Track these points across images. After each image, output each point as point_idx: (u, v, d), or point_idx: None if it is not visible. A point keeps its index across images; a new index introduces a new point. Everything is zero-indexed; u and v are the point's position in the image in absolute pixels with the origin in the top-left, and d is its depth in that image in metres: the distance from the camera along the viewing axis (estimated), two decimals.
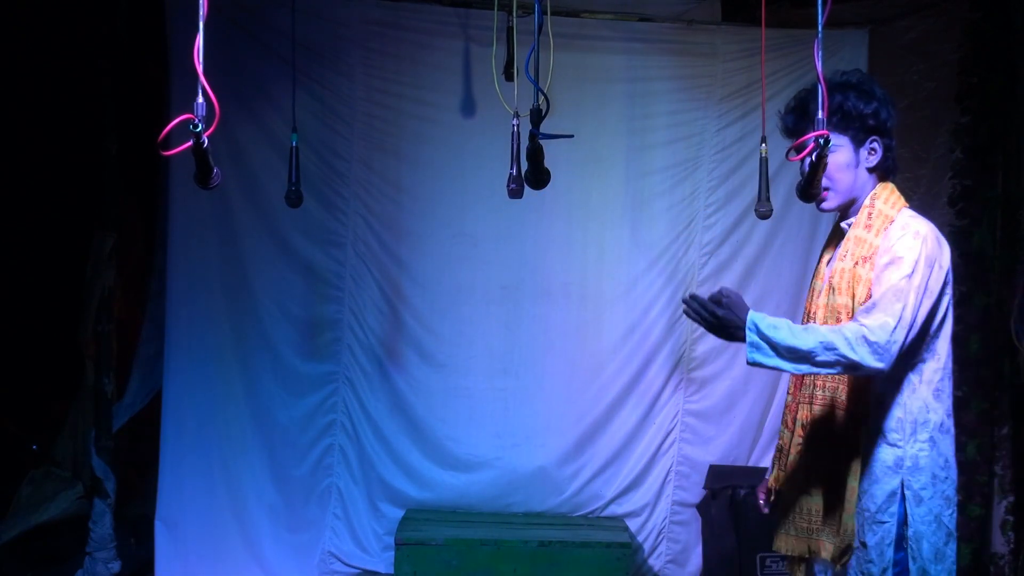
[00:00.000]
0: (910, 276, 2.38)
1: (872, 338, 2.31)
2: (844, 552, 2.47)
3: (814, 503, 2.53)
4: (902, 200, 2.58)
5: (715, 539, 4.33)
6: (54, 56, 4.57)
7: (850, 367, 2.35)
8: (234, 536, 4.31)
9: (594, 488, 4.49)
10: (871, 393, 2.47)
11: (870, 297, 2.44)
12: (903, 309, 2.35)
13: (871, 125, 2.54)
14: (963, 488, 4.35)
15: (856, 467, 2.46)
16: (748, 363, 2.36)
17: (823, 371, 2.39)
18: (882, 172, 2.60)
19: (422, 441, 4.43)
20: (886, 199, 2.56)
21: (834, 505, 2.49)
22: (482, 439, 4.45)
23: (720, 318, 2.37)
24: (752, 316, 2.33)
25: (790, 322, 2.35)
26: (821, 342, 2.30)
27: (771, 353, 2.33)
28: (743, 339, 2.34)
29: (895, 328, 2.33)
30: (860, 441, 2.47)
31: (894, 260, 2.42)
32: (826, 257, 2.69)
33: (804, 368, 2.40)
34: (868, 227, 2.52)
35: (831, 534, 2.49)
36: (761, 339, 2.31)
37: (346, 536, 4.41)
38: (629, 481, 4.50)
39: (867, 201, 2.56)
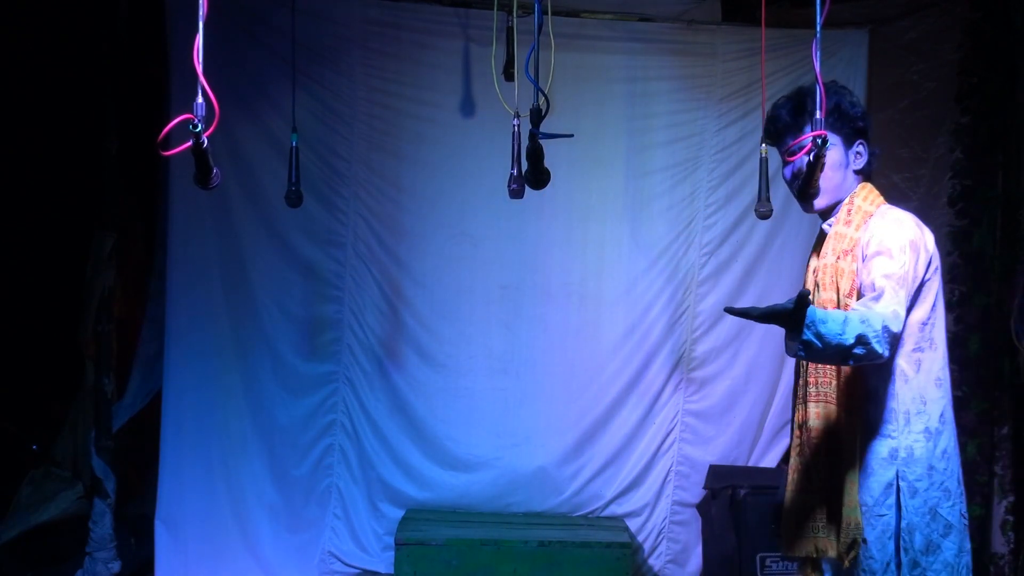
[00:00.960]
0: (904, 264, 2.41)
1: (893, 329, 2.33)
2: (850, 548, 2.46)
3: (817, 501, 2.53)
4: (881, 197, 2.62)
5: (715, 539, 4.33)
6: (54, 56, 4.57)
7: (871, 359, 2.35)
8: (234, 536, 4.31)
9: (594, 488, 4.49)
10: (864, 386, 2.48)
11: (854, 289, 2.46)
12: (906, 297, 2.39)
13: (860, 127, 2.60)
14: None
15: (854, 461, 2.46)
16: (790, 355, 2.34)
17: (847, 364, 2.38)
18: (864, 176, 2.65)
19: (422, 441, 4.43)
20: (865, 197, 2.60)
21: (836, 501, 2.49)
22: (482, 439, 4.45)
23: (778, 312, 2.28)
24: (810, 313, 2.24)
25: (831, 312, 2.30)
26: (857, 335, 2.26)
27: (818, 352, 2.27)
28: (794, 330, 2.27)
29: (905, 317, 2.38)
30: (856, 435, 2.47)
31: (882, 250, 2.45)
32: (812, 264, 2.71)
33: (835, 363, 2.40)
34: (848, 223, 2.57)
35: (835, 531, 2.49)
36: (815, 337, 2.25)
37: (346, 536, 4.41)
38: (629, 481, 4.50)
39: (847, 199, 2.60)
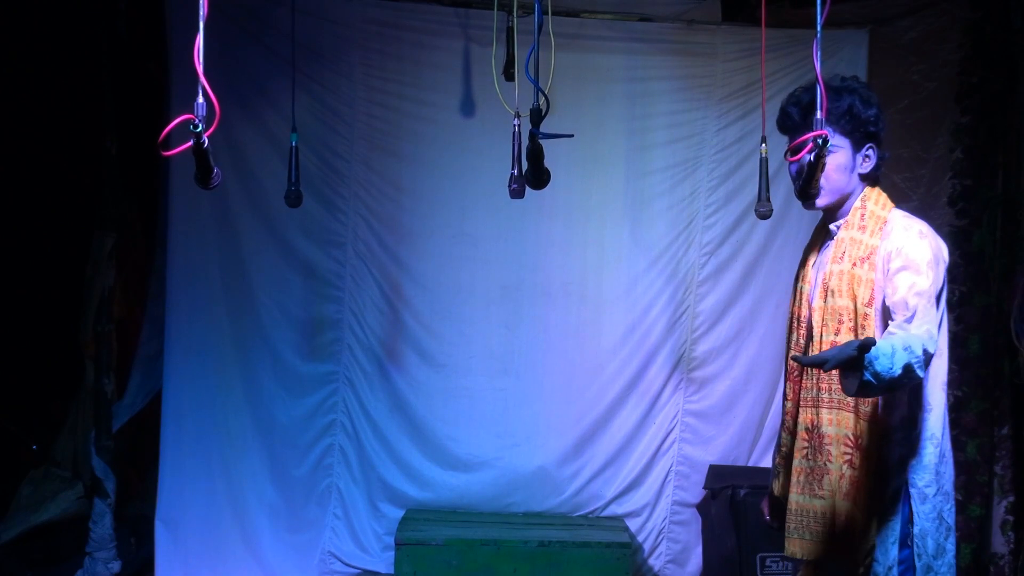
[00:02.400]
0: (932, 280, 2.41)
1: (931, 351, 2.32)
2: (867, 554, 2.46)
3: (827, 506, 2.52)
4: (891, 202, 2.61)
5: (715, 539, 4.33)
6: (54, 56, 4.57)
7: (913, 383, 2.34)
8: (234, 536, 4.31)
9: (594, 488, 4.49)
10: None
11: (874, 298, 2.46)
12: (935, 314, 2.39)
13: (871, 132, 2.57)
14: (963, 488, 4.36)
15: (870, 468, 2.47)
16: (849, 394, 2.30)
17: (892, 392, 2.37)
18: (871, 181, 2.62)
19: (422, 441, 4.43)
20: (876, 200, 2.59)
21: (849, 507, 2.49)
22: (482, 439, 4.45)
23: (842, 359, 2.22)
24: (868, 356, 2.20)
25: (880, 346, 2.22)
26: (904, 365, 2.23)
27: (874, 388, 2.24)
28: (855, 371, 2.22)
29: (937, 335, 2.37)
30: (871, 442, 2.47)
31: (909, 264, 2.43)
32: (811, 260, 2.69)
33: (883, 394, 2.38)
34: (862, 228, 2.54)
35: (847, 536, 2.48)
36: (872, 376, 2.21)
37: (346, 536, 4.41)
38: (629, 481, 4.50)
39: (858, 203, 2.58)
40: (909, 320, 2.36)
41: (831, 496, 2.51)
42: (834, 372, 2.50)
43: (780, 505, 2.78)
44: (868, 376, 2.19)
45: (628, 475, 4.50)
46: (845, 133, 2.53)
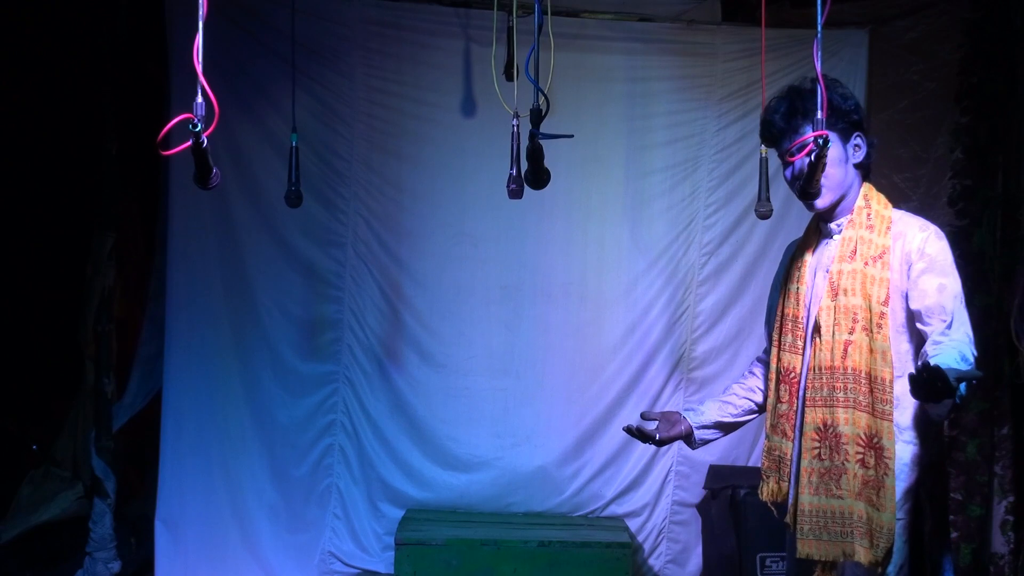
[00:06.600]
0: (958, 278, 2.46)
1: (976, 354, 2.35)
2: (888, 554, 2.46)
3: (845, 506, 2.50)
4: (889, 202, 2.63)
5: (715, 539, 4.33)
6: (54, 56, 4.57)
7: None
8: (234, 536, 4.31)
9: (594, 488, 4.49)
10: (892, 393, 2.47)
11: (890, 297, 2.47)
12: (967, 314, 2.44)
13: (855, 120, 2.60)
14: (963, 488, 4.36)
15: (883, 466, 2.46)
16: (940, 419, 2.34)
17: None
18: (865, 170, 2.65)
19: (422, 441, 4.43)
20: (878, 200, 2.61)
21: (865, 507, 2.48)
22: (482, 439, 4.45)
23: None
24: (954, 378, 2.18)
25: (950, 365, 2.20)
26: (966, 376, 2.21)
27: (956, 407, 2.26)
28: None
29: (972, 335, 2.41)
30: (884, 441, 2.47)
31: (934, 266, 2.46)
32: (808, 261, 2.69)
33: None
34: (870, 227, 2.55)
35: (865, 535, 2.47)
36: (959, 398, 2.20)
37: (346, 536, 4.41)
38: (629, 481, 4.50)
39: (861, 201, 2.60)
40: (949, 326, 2.38)
41: (849, 496, 2.50)
42: (847, 372, 2.50)
43: (778, 506, 2.77)
44: (957, 399, 2.19)
45: (628, 475, 4.50)
46: (830, 127, 2.53)
